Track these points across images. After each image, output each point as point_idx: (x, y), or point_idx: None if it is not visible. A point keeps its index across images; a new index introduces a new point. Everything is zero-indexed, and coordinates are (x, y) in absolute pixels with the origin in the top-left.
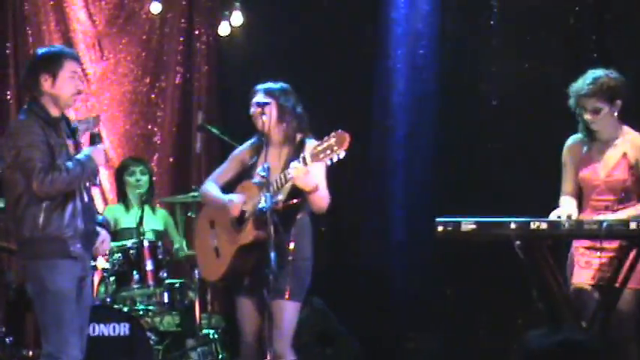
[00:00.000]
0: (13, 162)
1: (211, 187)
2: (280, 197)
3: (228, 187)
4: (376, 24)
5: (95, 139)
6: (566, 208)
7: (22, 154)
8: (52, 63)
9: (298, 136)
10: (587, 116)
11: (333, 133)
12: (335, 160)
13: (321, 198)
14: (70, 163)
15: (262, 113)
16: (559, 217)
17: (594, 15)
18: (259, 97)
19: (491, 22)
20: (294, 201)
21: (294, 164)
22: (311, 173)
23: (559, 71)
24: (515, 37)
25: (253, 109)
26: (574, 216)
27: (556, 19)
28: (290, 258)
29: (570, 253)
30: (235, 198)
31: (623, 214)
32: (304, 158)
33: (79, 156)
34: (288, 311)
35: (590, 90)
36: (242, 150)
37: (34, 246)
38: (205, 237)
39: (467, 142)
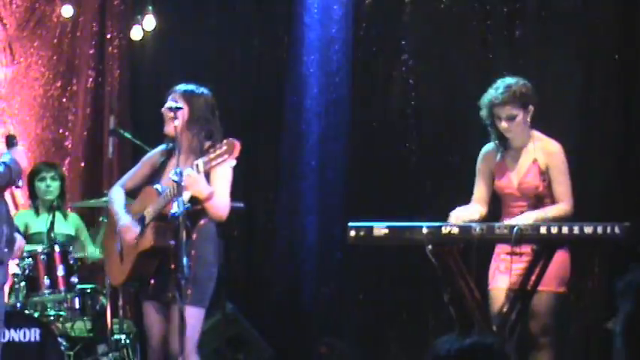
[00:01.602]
0: None
1: (116, 195)
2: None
3: (137, 192)
4: (289, 28)
5: (12, 141)
6: (460, 212)
7: None
8: None
9: (207, 144)
10: (503, 124)
11: (224, 141)
12: (226, 167)
13: (217, 206)
14: None
15: (174, 117)
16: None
17: (507, 16)
18: (172, 101)
19: (405, 26)
20: (197, 207)
21: (186, 171)
22: (202, 181)
23: (474, 75)
24: (430, 41)
25: (165, 111)
26: (464, 219)
27: (469, 20)
28: (191, 264)
29: (492, 258)
30: (127, 222)
31: (528, 217)
32: (197, 165)
33: (3, 159)
34: (189, 316)
35: (503, 98)
36: (152, 154)
37: None
38: (111, 241)
39: (379, 147)
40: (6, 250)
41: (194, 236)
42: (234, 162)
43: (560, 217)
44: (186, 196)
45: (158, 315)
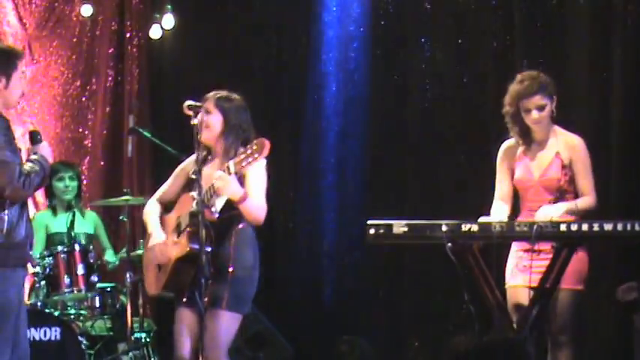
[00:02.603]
0: None
1: (152, 209)
2: (214, 209)
3: (174, 203)
4: (308, 27)
5: (37, 137)
6: (493, 219)
7: None
8: (5, 63)
9: (241, 150)
10: (534, 115)
11: (254, 141)
12: (259, 167)
13: (252, 208)
14: (30, 165)
15: (207, 126)
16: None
17: (525, 17)
18: (209, 105)
19: (425, 23)
20: (232, 213)
21: (217, 174)
22: (233, 183)
23: (492, 72)
24: (449, 37)
25: (199, 119)
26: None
27: (487, 20)
28: (229, 268)
29: (510, 256)
30: (158, 242)
31: (558, 208)
32: (228, 167)
33: (34, 157)
34: (223, 321)
35: (532, 89)
36: (185, 164)
37: None
38: (150, 251)
39: (399, 144)
40: (31, 253)
41: (232, 240)
42: (264, 161)
43: (588, 209)
44: (221, 200)
45: (192, 322)
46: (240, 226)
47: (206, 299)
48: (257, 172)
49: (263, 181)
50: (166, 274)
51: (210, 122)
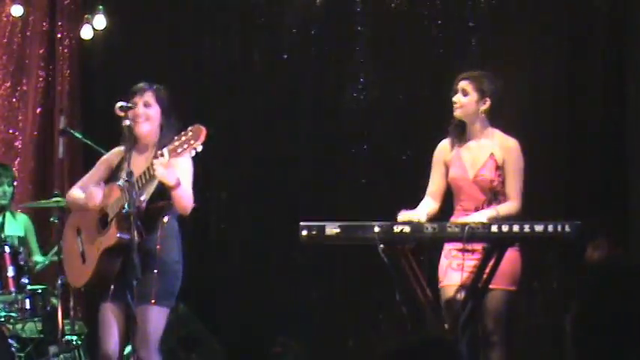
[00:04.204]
0: None
1: (76, 192)
2: (143, 197)
3: None
4: (240, 26)
5: None
6: (411, 212)
7: None
8: None
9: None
10: (455, 97)
11: (190, 127)
12: (193, 153)
13: (184, 196)
14: None
15: (148, 118)
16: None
17: (459, 21)
18: (148, 98)
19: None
20: (160, 203)
21: (159, 160)
22: (172, 167)
23: (426, 72)
24: (383, 40)
25: (137, 111)
26: (419, 219)
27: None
28: (156, 262)
29: (443, 255)
30: (91, 188)
31: (481, 215)
32: (162, 153)
33: None
34: (152, 316)
35: (463, 74)
36: (108, 156)
37: None
38: (72, 243)
39: (333, 147)
40: None
41: (158, 233)
42: (200, 147)
43: (510, 215)
44: (151, 188)
45: (117, 316)
46: (166, 218)
47: (134, 294)
48: (186, 161)
49: (191, 170)
50: (93, 266)
51: (150, 114)
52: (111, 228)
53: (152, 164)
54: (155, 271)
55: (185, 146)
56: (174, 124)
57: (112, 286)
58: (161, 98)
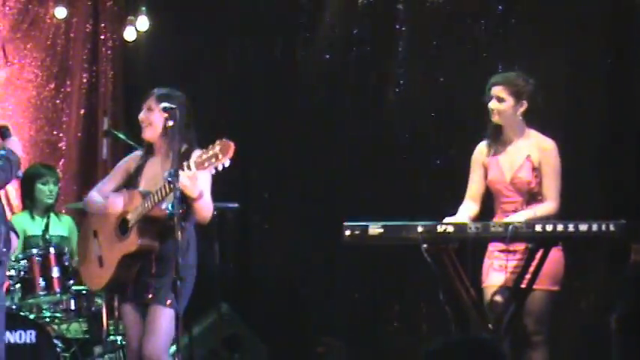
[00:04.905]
0: None
1: (95, 197)
2: (164, 206)
3: None
4: (285, 29)
5: (5, 132)
6: (453, 219)
7: None
8: None
9: (184, 147)
10: (491, 103)
11: (217, 142)
12: (220, 168)
13: (205, 207)
14: None
15: (168, 119)
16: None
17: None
18: (151, 103)
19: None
20: (180, 211)
21: (181, 172)
22: (196, 179)
23: (467, 74)
24: (422, 42)
25: (157, 115)
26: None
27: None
28: (173, 266)
29: (486, 256)
30: (112, 196)
31: (519, 217)
32: (188, 166)
33: (1, 152)
34: (165, 318)
35: (497, 79)
36: (126, 160)
37: None
38: (89, 246)
39: (374, 147)
40: (4, 249)
41: (178, 239)
42: (227, 162)
43: (548, 216)
44: (171, 198)
45: (137, 317)
46: (186, 224)
47: (150, 296)
48: (206, 173)
49: (210, 179)
50: (111, 270)
51: (152, 119)
52: (131, 235)
53: (177, 175)
54: (172, 275)
55: (213, 160)
56: (185, 131)
57: (130, 289)
58: (166, 103)
